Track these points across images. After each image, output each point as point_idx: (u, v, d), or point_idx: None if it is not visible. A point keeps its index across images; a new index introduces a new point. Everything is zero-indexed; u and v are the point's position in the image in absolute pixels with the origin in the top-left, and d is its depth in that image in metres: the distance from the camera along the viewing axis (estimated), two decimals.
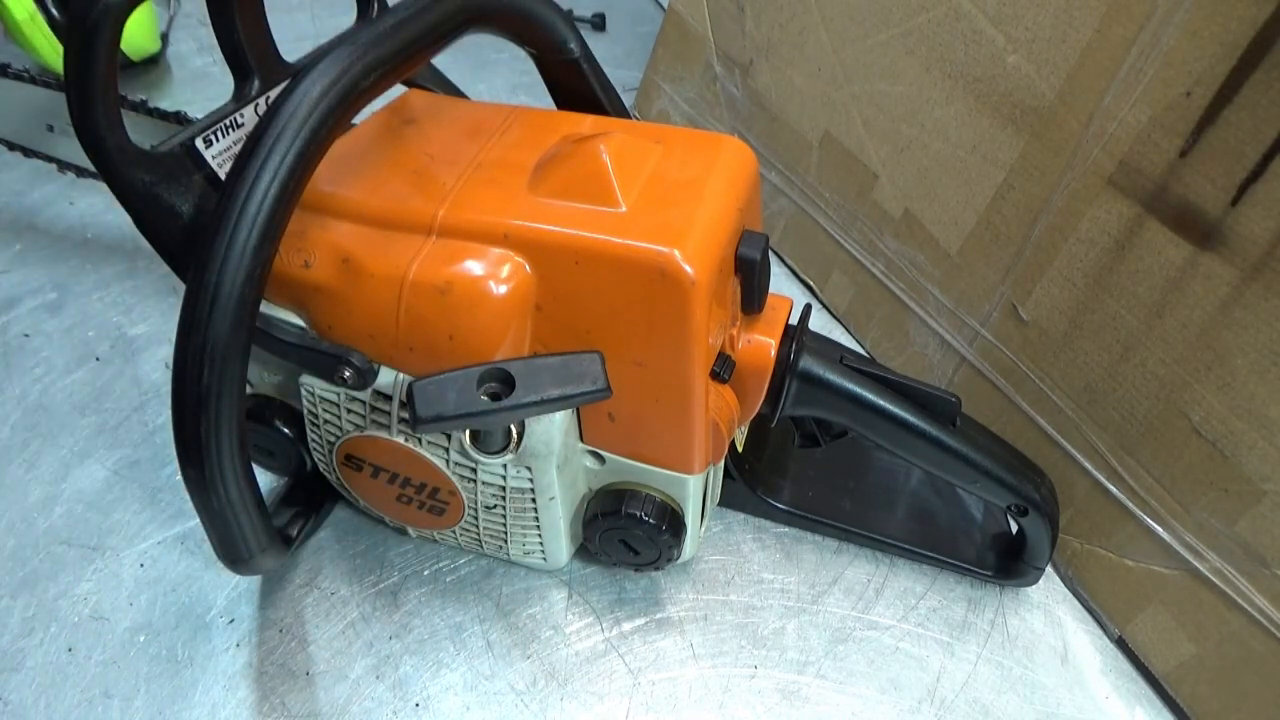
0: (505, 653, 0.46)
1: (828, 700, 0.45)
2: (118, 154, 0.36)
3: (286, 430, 0.45)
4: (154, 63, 0.88)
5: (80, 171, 0.65)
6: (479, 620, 0.47)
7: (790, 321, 0.44)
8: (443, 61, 0.48)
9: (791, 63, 0.66)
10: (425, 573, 0.49)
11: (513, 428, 0.39)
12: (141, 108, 0.60)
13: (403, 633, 0.46)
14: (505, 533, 0.45)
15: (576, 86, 0.48)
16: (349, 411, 0.41)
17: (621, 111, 0.49)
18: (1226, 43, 0.38)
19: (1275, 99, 0.37)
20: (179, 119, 0.60)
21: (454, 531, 0.46)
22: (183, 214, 0.39)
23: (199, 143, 0.41)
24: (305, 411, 0.43)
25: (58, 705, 0.42)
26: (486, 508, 0.43)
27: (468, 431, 0.39)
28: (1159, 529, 0.46)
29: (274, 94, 0.45)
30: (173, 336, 0.32)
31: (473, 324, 0.36)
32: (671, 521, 0.43)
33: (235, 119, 0.43)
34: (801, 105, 0.66)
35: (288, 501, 0.48)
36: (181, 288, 0.33)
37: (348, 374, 0.38)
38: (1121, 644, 0.50)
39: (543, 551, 0.46)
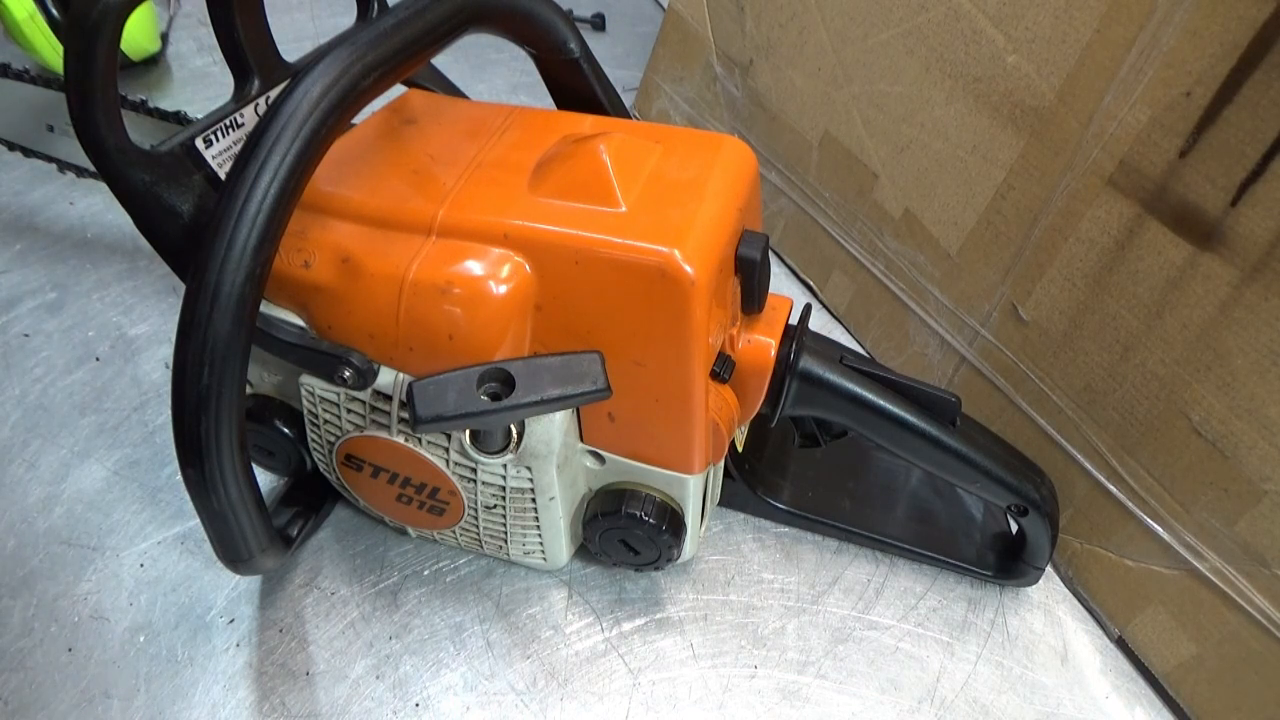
0: (505, 653, 0.46)
1: (828, 700, 0.45)
2: (118, 154, 0.36)
3: (286, 430, 0.45)
4: (154, 63, 0.88)
5: (80, 171, 0.65)
6: (479, 620, 0.47)
7: (790, 321, 0.44)
8: (443, 61, 0.48)
9: (791, 63, 0.66)
10: (425, 573, 0.49)
11: (513, 428, 0.39)
12: (141, 108, 0.60)
13: (403, 633, 0.46)
14: (505, 533, 0.45)
15: (576, 86, 0.48)
16: (349, 411, 0.41)
17: (621, 111, 0.49)
18: (1226, 43, 0.38)
19: (1275, 99, 0.37)
20: (179, 119, 0.60)
21: (454, 531, 0.46)
22: (183, 214, 0.39)
23: (199, 143, 0.41)
24: (305, 411, 0.43)
25: (58, 705, 0.42)
26: (486, 508, 0.43)
27: (468, 431, 0.39)
28: (1159, 529, 0.46)
29: (274, 94, 0.45)
30: (173, 336, 0.32)
31: (473, 324, 0.36)
32: (671, 521, 0.43)
33: (235, 119, 0.43)
34: (801, 105, 0.66)
35: (288, 501, 0.48)
36: (181, 288, 0.33)
37: (348, 374, 0.38)
38: (1121, 644, 0.50)
39: (543, 551, 0.46)
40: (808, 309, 0.45)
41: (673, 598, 0.49)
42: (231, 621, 0.46)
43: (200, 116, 0.43)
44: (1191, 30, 0.40)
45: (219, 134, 0.42)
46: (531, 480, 0.41)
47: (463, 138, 0.42)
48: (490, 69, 0.95)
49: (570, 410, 0.40)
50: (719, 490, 0.50)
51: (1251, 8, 0.37)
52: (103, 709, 0.42)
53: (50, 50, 0.76)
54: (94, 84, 0.34)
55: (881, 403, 0.43)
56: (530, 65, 0.48)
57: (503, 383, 0.35)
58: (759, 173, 0.43)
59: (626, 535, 0.44)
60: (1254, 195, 0.39)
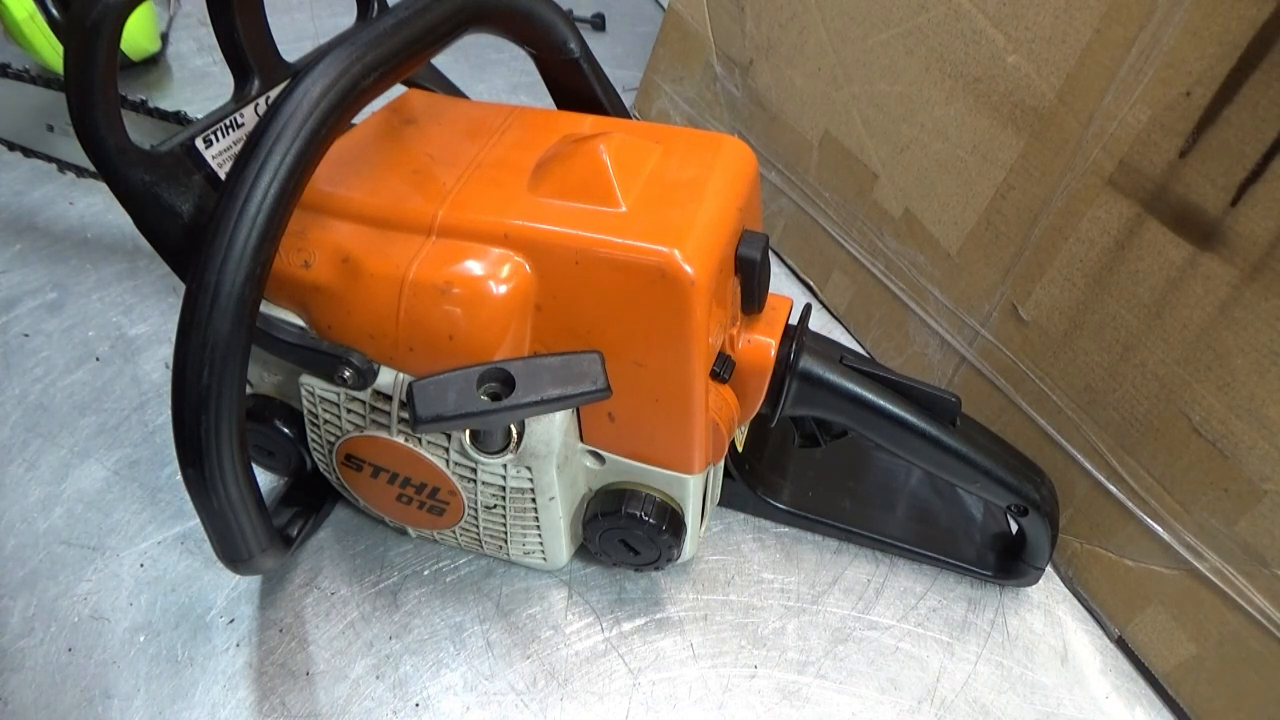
0: (505, 653, 0.46)
1: (828, 700, 0.45)
2: (118, 154, 0.36)
3: (286, 430, 0.45)
4: (154, 63, 0.88)
5: (80, 171, 0.65)
6: (479, 620, 0.47)
7: (790, 321, 0.44)
8: (443, 61, 0.48)
9: (791, 63, 0.66)
10: (425, 573, 0.49)
11: (513, 428, 0.39)
12: (141, 108, 0.60)
13: (403, 633, 0.46)
14: (505, 533, 0.45)
15: (576, 86, 0.48)
16: (349, 411, 0.41)
17: (621, 111, 0.49)
18: (1226, 43, 0.38)
19: (1275, 99, 0.37)
20: (179, 119, 0.60)
21: (454, 531, 0.46)
22: (183, 214, 0.39)
23: (199, 143, 0.41)
24: (305, 411, 0.43)
25: (58, 705, 0.42)
26: (486, 508, 0.43)
27: (468, 431, 0.39)
28: (1159, 529, 0.46)
29: (274, 94, 0.45)
30: (173, 336, 0.32)
31: (473, 324, 0.36)
32: (671, 521, 0.43)
33: (235, 119, 0.43)
34: (801, 105, 0.66)
35: (288, 501, 0.48)
36: (181, 288, 0.33)
37: (348, 374, 0.38)
38: (1121, 644, 0.50)
39: (543, 551, 0.46)
40: (808, 309, 0.45)
41: (673, 598, 0.49)
42: (231, 621, 0.46)
43: (200, 116, 0.43)
44: (1191, 30, 0.40)
45: (219, 134, 0.42)
46: (531, 480, 0.41)
47: (463, 138, 0.42)
48: (490, 69, 0.95)
49: (570, 410, 0.40)
50: (719, 490, 0.50)
51: (1251, 8, 0.37)
52: (103, 709, 0.42)
53: (50, 50, 0.76)
54: (94, 84, 0.34)
55: (881, 403, 0.43)
56: (530, 65, 0.48)
57: (503, 383, 0.35)
58: (759, 173, 0.43)
59: (626, 535, 0.44)
60: (1254, 195, 0.39)
